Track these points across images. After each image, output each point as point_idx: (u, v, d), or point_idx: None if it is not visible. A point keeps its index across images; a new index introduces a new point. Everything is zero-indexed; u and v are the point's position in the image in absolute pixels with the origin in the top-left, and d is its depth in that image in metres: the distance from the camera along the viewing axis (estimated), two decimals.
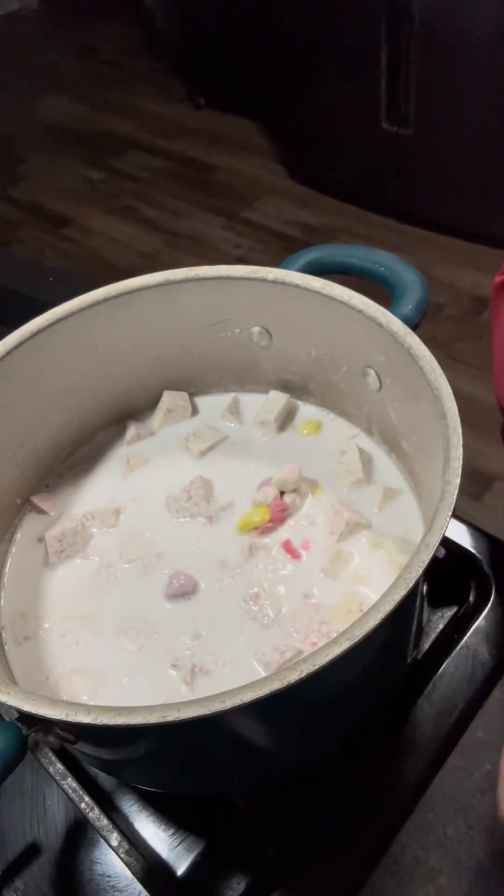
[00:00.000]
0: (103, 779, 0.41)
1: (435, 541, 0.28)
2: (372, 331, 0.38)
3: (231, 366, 0.47)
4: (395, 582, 0.27)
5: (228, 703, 0.25)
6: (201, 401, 0.49)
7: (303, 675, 0.25)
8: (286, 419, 0.47)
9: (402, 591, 0.27)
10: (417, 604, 0.35)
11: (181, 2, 2.13)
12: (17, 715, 0.40)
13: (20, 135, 2.28)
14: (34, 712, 0.26)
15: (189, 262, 0.49)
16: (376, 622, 0.26)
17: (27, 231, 1.92)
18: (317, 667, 0.25)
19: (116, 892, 0.37)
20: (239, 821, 0.38)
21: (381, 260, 0.42)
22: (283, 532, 0.40)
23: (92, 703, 0.34)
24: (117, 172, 2.06)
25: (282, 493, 0.41)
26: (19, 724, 0.28)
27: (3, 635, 0.39)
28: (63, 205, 1.97)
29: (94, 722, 0.25)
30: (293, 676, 0.25)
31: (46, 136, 2.25)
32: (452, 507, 0.29)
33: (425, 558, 0.28)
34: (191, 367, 0.47)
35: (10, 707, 0.27)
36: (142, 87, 2.31)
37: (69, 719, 0.25)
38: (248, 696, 0.25)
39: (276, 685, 0.25)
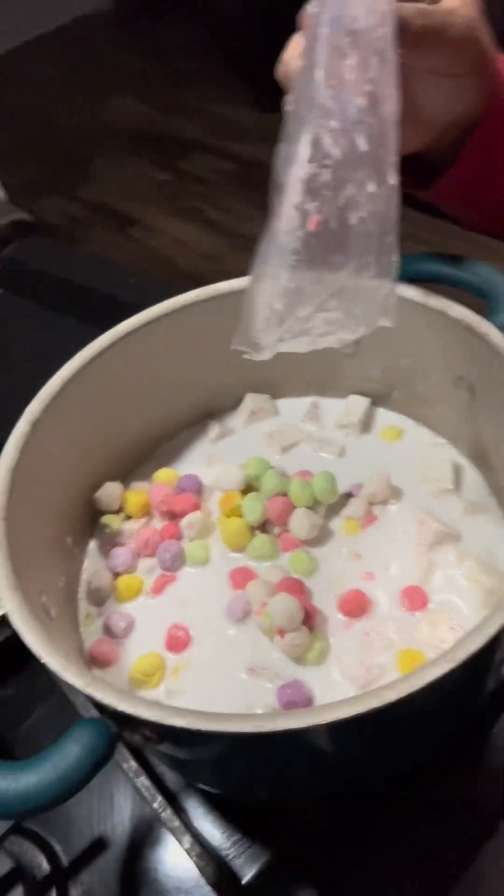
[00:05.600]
0: (170, 778, 0.41)
1: None
2: (468, 341, 0.37)
3: (313, 371, 0.47)
4: (499, 605, 0.26)
5: (326, 718, 0.24)
6: (280, 403, 0.49)
7: (402, 694, 0.25)
8: (366, 423, 0.46)
9: None
10: None
11: (250, 5, 2.14)
12: (91, 709, 0.41)
13: (90, 135, 2.33)
14: (129, 712, 0.26)
15: None
16: (478, 646, 0.25)
17: (94, 231, 1.96)
18: (416, 688, 0.25)
19: (182, 894, 0.37)
20: (309, 834, 0.38)
21: (476, 269, 0.41)
22: (370, 539, 0.40)
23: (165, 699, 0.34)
24: (184, 174, 2.08)
25: (370, 503, 0.41)
26: (108, 722, 0.28)
27: (82, 629, 0.39)
28: (129, 205, 2.00)
29: (187, 727, 0.25)
30: (392, 695, 0.25)
31: (115, 137, 2.30)
32: None
33: None
34: (273, 371, 0.47)
35: (101, 703, 0.27)
36: (211, 90, 2.33)
37: (163, 722, 0.25)
38: (346, 713, 0.24)
39: (375, 703, 0.24)
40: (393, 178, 0.28)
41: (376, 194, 0.27)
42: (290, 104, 0.29)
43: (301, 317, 0.28)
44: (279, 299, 0.28)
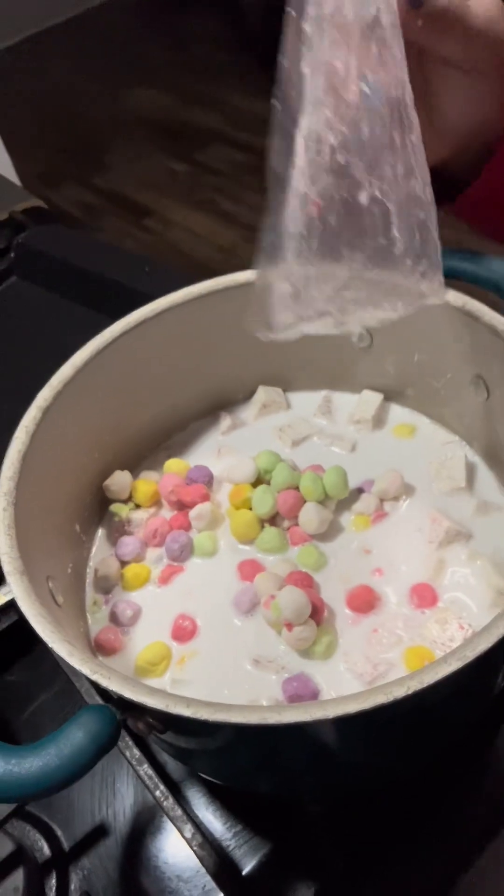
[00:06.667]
0: (172, 767, 0.41)
1: None
2: (486, 339, 0.36)
3: (327, 366, 0.46)
4: None
5: (331, 713, 0.24)
6: (292, 397, 0.48)
7: (409, 691, 0.24)
8: (379, 419, 0.46)
9: None
10: None
11: None
12: (95, 695, 0.41)
13: (107, 124, 2.32)
14: (134, 700, 0.26)
15: None
16: (488, 645, 0.25)
17: (109, 220, 1.96)
18: (424, 685, 0.25)
19: (181, 883, 0.37)
20: (310, 828, 0.38)
21: (495, 266, 0.41)
22: (380, 535, 0.40)
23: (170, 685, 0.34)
24: (200, 165, 2.07)
25: (381, 499, 0.40)
26: (113, 709, 0.28)
27: (89, 616, 0.39)
28: (145, 195, 2.00)
29: (192, 716, 0.25)
30: (400, 692, 0.24)
31: (133, 127, 2.29)
32: None
33: None
34: (285, 365, 0.47)
35: (105, 690, 0.27)
36: (230, 81, 2.32)
37: (167, 710, 0.25)
38: (353, 708, 0.24)
39: (382, 699, 0.24)
40: (416, 161, 0.28)
41: (393, 177, 0.27)
42: (280, 92, 0.28)
43: (317, 297, 0.28)
44: (287, 281, 0.28)
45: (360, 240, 0.27)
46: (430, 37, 0.30)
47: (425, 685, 0.24)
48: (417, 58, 0.32)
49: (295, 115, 0.27)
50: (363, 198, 0.27)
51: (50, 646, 0.28)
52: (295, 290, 0.28)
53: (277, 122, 0.28)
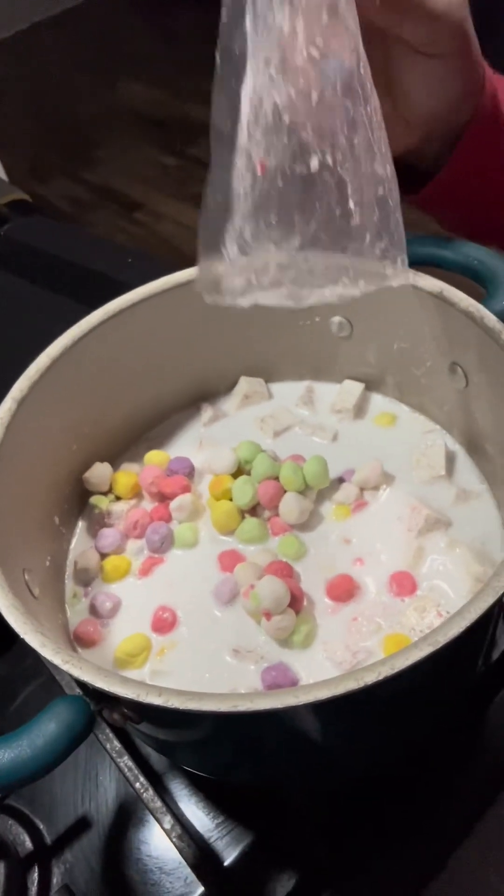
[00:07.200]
0: (155, 759, 0.41)
1: None
2: (463, 326, 0.36)
3: (308, 355, 0.46)
4: (483, 590, 0.26)
5: (302, 699, 0.24)
6: (274, 387, 0.48)
7: (380, 677, 0.24)
8: (360, 409, 0.45)
9: (489, 600, 0.26)
10: (496, 612, 0.33)
11: None
12: (76, 687, 0.40)
13: (98, 118, 2.31)
14: (106, 689, 0.25)
15: None
16: (461, 629, 0.25)
17: (100, 214, 1.95)
18: (395, 670, 0.24)
19: (163, 875, 0.37)
20: (293, 818, 0.38)
21: (474, 253, 0.40)
22: (360, 524, 0.39)
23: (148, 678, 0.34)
24: (191, 159, 2.06)
25: (361, 489, 0.40)
26: (87, 699, 0.28)
27: (68, 609, 0.39)
28: (135, 189, 1.99)
29: (164, 705, 0.25)
30: (370, 678, 0.24)
31: (124, 121, 2.28)
32: None
33: None
34: (267, 355, 0.47)
35: (81, 681, 0.27)
36: None
37: (140, 699, 0.25)
38: (324, 694, 0.24)
39: (352, 685, 0.24)
40: (375, 135, 0.27)
41: (348, 147, 0.26)
42: (222, 47, 0.27)
43: (269, 264, 0.27)
44: (235, 243, 0.27)
45: (311, 206, 0.26)
46: (389, 18, 0.29)
47: (396, 670, 0.24)
48: (382, 43, 0.32)
49: (239, 71, 0.26)
50: (314, 163, 0.26)
51: (22, 636, 0.28)
52: (243, 253, 0.27)
53: (219, 79, 0.27)
